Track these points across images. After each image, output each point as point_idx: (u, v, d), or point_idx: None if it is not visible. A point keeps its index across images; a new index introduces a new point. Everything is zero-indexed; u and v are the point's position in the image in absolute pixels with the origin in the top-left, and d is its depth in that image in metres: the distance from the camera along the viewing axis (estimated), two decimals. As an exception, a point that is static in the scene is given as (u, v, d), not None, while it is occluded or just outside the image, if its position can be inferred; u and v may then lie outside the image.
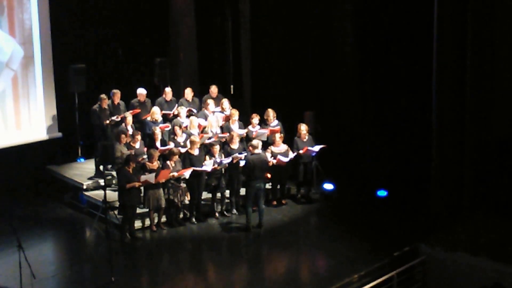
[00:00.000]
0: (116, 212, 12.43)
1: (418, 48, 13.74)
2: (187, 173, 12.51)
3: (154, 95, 15.22)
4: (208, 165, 12.72)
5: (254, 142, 12.77)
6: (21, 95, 14.97)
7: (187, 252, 12.30)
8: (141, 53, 16.68)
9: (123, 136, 13.08)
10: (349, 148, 14.83)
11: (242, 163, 12.93)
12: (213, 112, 14.36)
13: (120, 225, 12.30)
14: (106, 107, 14.19)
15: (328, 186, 14.23)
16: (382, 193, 14.11)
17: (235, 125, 14.01)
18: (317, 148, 13.72)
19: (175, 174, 12.42)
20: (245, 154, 13.05)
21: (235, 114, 14.07)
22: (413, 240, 11.83)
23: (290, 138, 13.91)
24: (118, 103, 14.40)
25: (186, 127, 13.75)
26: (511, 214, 12.38)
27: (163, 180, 12.34)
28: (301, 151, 13.64)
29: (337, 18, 15.16)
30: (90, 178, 14.05)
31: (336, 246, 12.06)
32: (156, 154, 12.56)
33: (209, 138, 13.51)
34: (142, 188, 12.28)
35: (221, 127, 14.05)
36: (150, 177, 12.04)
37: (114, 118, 13.98)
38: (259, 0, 16.38)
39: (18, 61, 14.85)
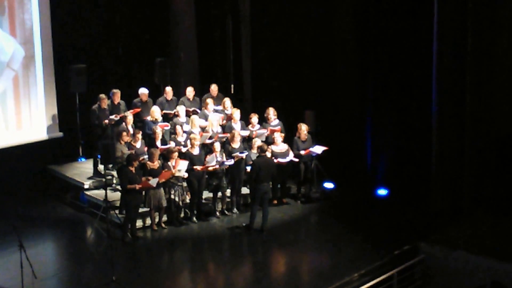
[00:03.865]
0: (117, 211, 12.46)
1: (419, 47, 13.73)
2: (183, 165, 12.43)
3: (155, 95, 15.23)
4: (211, 161, 12.72)
5: (264, 145, 12.68)
6: (22, 95, 14.98)
7: (188, 251, 12.32)
8: (141, 53, 16.68)
9: (123, 135, 13.09)
10: (349, 148, 14.83)
11: (243, 162, 12.97)
12: (215, 110, 14.36)
13: (121, 224, 12.32)
14: (106, 107, 14.18)
15: (329, 185, 14.25)
16: (382, 192, 14.16)
17: (237, 125, 14.01)
18: (319, 150, 13.72)
19: (173, 170, 12.40)
20: (246, 153, 13.07)
21: (236, 113, 14.09)
22: (413, 238, 11.85)
23: (291, 137, 13.93)
24: (118, 103, 14.39)
25: (185, 132, 13.71)
26: (510, 213, 12.40)
27: (164, 180, 12.36)
28: (302, 152, 13.65)
29: (338, 17, 15.15)
30: (89, 178, 14.09)
31: (336, 244, 12.10)
32: (157, 153, 12.55)
33: (210, 138, 13.51)
34: (143, 187, 12.31)
35: (223, 126, 14.06)
36: (152, 182, 12.07)
37: (112, 117, 13.98)
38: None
39: (19, 61, 14.87)
